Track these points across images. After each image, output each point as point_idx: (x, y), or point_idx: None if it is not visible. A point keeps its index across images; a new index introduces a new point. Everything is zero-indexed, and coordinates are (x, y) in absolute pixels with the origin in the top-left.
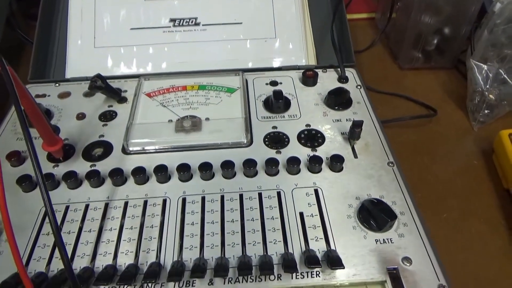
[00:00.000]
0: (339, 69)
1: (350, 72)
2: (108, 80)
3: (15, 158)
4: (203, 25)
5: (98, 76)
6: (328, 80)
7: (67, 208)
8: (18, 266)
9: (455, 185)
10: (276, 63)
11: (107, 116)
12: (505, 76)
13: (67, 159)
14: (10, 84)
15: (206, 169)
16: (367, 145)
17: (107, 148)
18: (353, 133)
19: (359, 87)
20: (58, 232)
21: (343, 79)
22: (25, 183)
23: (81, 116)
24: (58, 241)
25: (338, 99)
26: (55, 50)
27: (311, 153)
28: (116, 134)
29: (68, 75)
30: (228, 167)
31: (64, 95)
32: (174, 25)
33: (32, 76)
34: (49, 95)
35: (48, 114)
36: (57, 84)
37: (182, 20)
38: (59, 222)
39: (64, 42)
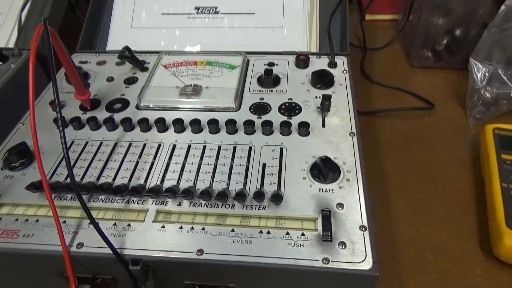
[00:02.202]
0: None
1: (341, 60)
2: (136, 54)
3: (55, 104)
4: (222, 13)
5: (126, 48)
6: (319, 64)
7: (86, 143)
8: (40, 172)
9: (436, 171)
10: (279, 49)
11: (130, 81)
12: (503, 76)
13: (93, 109)
14: (48, 42)
15: (195, 123)
16: (337, 118)
17: (125, 104)
18: (323, 105)
19: (345, 72)
20: (67, 150)
21: (332, 64)
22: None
23: (110, 79)
24: (66, 156)
25: (319, 79)
26: (101, 27)
27: (287, 120)
28: (134, 94)
29: (108, 47)
30: (213, 123)
31: (100, 63)
32: (197, 13)
33: (80, 47)
34: (89, 62)
35: (85, 75)
36: (97, 54)
37: (204, 9)
38: (79, 153)
39: (108, 21)
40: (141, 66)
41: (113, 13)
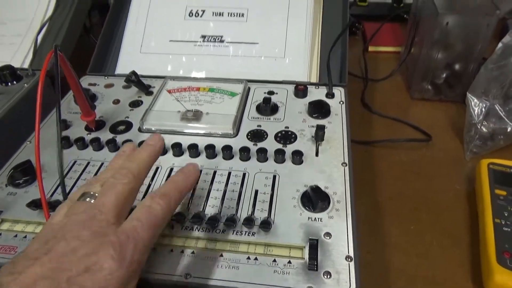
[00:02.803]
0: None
1: (339, 90)
2: (143, 78)
3: (62, 124)
4: (227, 42)
5: (133, 72)
6: (317, 95)
7: (88, 163)
8: (40, 190)
9: (432, 202)
10: (280, 78)
11: (135, 104)
12: (500, 112)
13: (98, 130)
14: (56, 68)
15: (193, 148)
16: (331, 148)
17: (128, 126)
18: (317, 135)
19: (341, 103)
20: (62, 174)
21: (329, 94)
22: (63, 141)
23: (116, 102)
24: (61, 179)
25: (316, 109)
26: (112, 51)
27: (282, 148)
28: (138, 117)
29: (117, 71)
30: (209, 149)
31: (108, 86)
32: (204, 41)
33: (90, 70)
34: (98, 84)
35: (93, 97)
36: (106, 77)
37: (210, 37)
38: (80, 172)
39: (119, 46)
40: (146, 90)
41: (124, 38)
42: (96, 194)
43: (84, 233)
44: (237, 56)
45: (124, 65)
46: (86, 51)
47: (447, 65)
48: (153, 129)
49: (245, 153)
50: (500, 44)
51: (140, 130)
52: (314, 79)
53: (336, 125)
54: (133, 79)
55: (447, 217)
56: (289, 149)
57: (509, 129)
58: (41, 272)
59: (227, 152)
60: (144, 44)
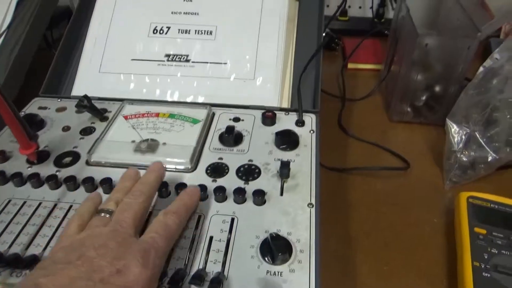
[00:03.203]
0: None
1: (309, 118)
2: (100, 101)
3: (0, 156)
4: (192, 62)
5: (85, 96)
6: (286, 122)
7: (24, 203)
8: None
9: (407, 237)
10: (249, 102)
11: (87, 131)
12: (480, 140)
13: (41, 162)
14: None
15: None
16: (297, 185)
17: (75, 158)
18: (282, 172)
19: (312, 132)
20: None
21: (299, 122)
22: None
23: (66, 129)
24: None
25: (283, 140)
26: (70, 70)
27: (243, 185)
28: (88, 147)
29: (74, 92)
30: (163, 187)
31: (61, 109)
32: (168, 60)
33: (43, 91)
34: (49, 108)
35: (40, 123)
36: (59, 100)
37: (175, 56)
38: (13, 214)
39: (77, 65)
40: (100, 115)
41: (82, 56)
42: (112, 210)
43: (110, 243)
44: (202, 77)
45: (81, 86)
46: (47, 67)
47: (427, 86)
48: (102, 162)
49: (201, 192)
50: (481, 69)
51: (88, 163)
52: (286, 103)
53: (305, 158)
54: (85, 104)
55: (423, 255)
56: (252, 186)
57: (490, 158)
58: (76, 274)
59: (179, 191)
60: (103, 63)
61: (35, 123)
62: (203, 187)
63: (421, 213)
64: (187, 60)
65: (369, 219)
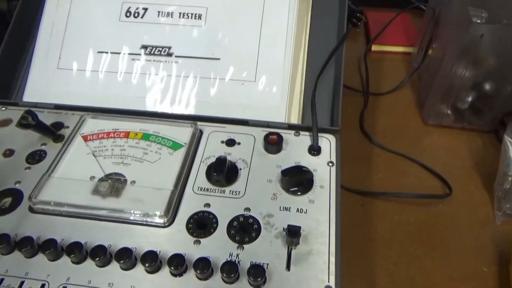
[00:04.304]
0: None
1: (327, 141)
2: (56, 112)
3: None
4: (176, 56)
5: (29, 112)
6: (296, 149)
7: None
8: None
9: None
10: (247, 113)
11: (35, 157)
12: None
13: None
14: None
15: (97, 255)
16: (310, 254)
17: (16, 200)
18: (289, 240)
19: (330, 164)
20: None
21: (314, 150)
22: None
23: (8, 153)
24: None
25: (292, 182)
26: (22, 67)
27: (235, 252)
28: (34, 182)
29: (25, 97)
30: (125, 257)
31: (4, 123)
32: (145, 53)
33: None
34: None
35: None
36: (3, 108)
37: (154, 48)
38: None
39: (30, 59)
40: (53, 135)
41: (36, 48)
42: None
43: None
44: (188, 77)
45: (34, 88)
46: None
47: (475, 85)
48: (50, 209)
49: (178, 266)
50: None
51: (31, 209)
52: (296, 116)
53: (321, 207)
54: (28, 123)
55: None
56: (247, 254)
57: None
58: None
59: (151, 263)
60: (63, 55)
61: None
62: (179, 260)
63: (466, 259)
64: (169, 54)
65: (398, 268)
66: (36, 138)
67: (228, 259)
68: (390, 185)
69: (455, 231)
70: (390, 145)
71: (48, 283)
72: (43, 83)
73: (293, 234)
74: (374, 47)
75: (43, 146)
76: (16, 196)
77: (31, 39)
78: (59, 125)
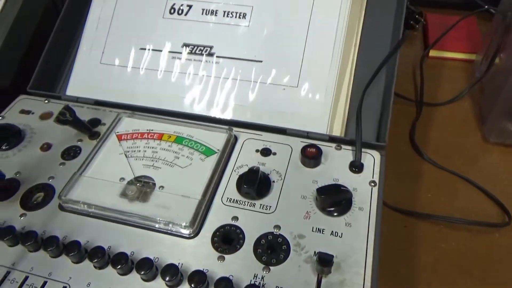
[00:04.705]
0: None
1: (371, 157)
2: (96, 108)
3: None
4: (217, 56)
5: (67, 108)
6: (336, 164)
7: None
8: None
9: None
10: (286, 121)
11: (70, 153)
12: None
13: (5, 199)
14: None
15: (119, 263)
16: (342, 285)
17: (48, 196)
18: (320, 269)
19: (373, 184)
20: None
21: (355, 167)
22: None
23: (45, 147)
24: None
25: (327, 201)
26: (69, 61)
27: (261, 273)
28: (66, 179)
29: (69, 91)
30: (146, 268)
31: (45, 116)
32: (186, 52)
33: (32, 85)
34: (33, 113)
35: (17, 136)
36: (46, 101)
37: (195, 47)
38: None
39: (75, 54)
40: (89, 132)
41: (82, 42)
42: None
43: None
44: (228, 79)
45: (78, 82)
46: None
47: None
48: (78, 209)
49: (199, 284)
50: None
51: (60, 207)
52: (339, 128)
53: (358, 231)
54: (66, 119)
55: None
56: (273, 276)
57: None
58: None
59: (171, 277)
60: (106, 51)
61: (11, 136)
62: (200, 277)
63: None
64: (210, 54)
65: None
66: (73, 133)
67: (252, 281)
68: (439, 206)
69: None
70: (442, 161)
71: (69, 286)
72: (86, 77)
73: (324, 263)
74: (432, 53)
75: (79, 143)
76: (49, 192)
77: (78, 33)
78: (96, 122)
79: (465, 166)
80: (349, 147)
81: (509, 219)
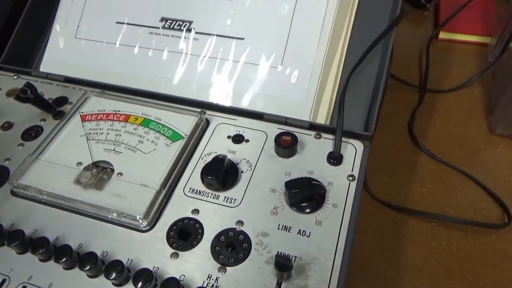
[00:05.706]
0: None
1: (353, 148)
2: (65, 85)
3: None
4: (196, 32)
5: (28, 85)
6: (313, 154)
7: None
8: None
9: None
10: (266, 105)
11: (31, 134)
12: None
13: None
14: None
15: (62, 256)
16: None
17: (1, 179)
18: (278, 273)
19: (351, 178)
20: None
21: (333, 159)
22: None
23: (6, 126)
24: None
25: (297, 196)
26: (46, 37)
27: (216, 274)
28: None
29: (43, 67)
30: (90, 264)
31: (12, 92)
32: (163, 27)
33: (3, 60)
34: (0, 89)
35: None
36: (15, 76)
37: (174, 22)
38: None
39: (50, 27)
40: (53, 110)
41: (57, 15)
42: None
43: None
44: (206, 58)
45: (52, 58)
46: None
47: None
48: (29, 195)
49: (145, 284)
50: None
51: (12, 192)
52: (323, 115)
53: (329, 232)
54: (27, 96)
55: None
56: (228, 278)
57: None
58: None
59: (116, 274)
60: (81, 23)
61: None
62: (147, 276)
63: None
64: (189, 30)
65: None
66: (37, 112)
67: (205, 282)
68: (433, 203)
69: (509, 271)
70: (441, 153)
71: (9, 279)
72: (60, 53)
73: (281, 268)
74: (442, 34)
75: (41, 122)
76: (3, 175)
77: (55, 7)
78: (63, 100)
79: (466, 159)
80: (330, 136)
81: (509, 219)
